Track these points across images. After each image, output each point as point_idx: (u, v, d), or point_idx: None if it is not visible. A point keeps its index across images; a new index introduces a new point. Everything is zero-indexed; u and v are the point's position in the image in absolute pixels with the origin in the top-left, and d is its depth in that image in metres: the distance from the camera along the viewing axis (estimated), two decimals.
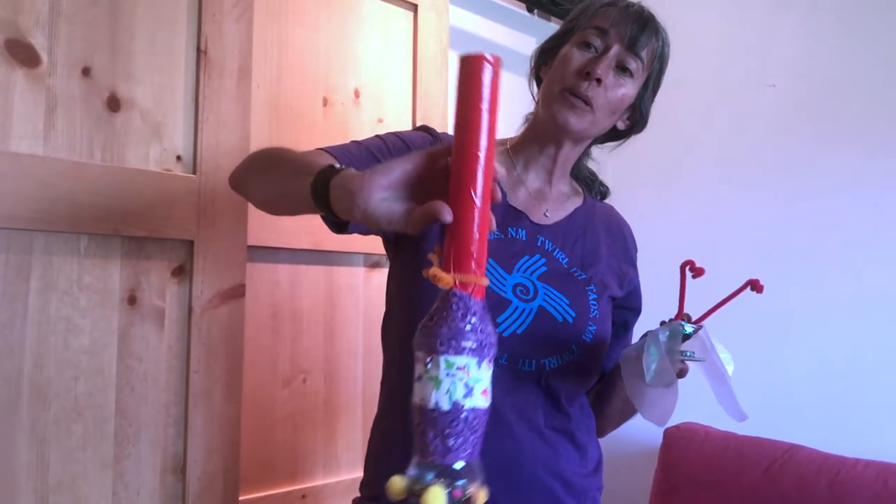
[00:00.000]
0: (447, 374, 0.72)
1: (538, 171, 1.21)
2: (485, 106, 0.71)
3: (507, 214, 1.16)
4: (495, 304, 1.09)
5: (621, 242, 1.26)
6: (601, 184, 1.36)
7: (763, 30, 2.31)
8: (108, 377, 1.31)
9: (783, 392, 2.15)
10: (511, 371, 1.09)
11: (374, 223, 0.75)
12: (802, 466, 1.93)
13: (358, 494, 1.20)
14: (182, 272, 1.41)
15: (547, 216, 1.20)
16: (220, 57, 1.46)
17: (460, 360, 0.72)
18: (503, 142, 1.25)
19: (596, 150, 1.34)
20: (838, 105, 2.14)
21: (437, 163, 0.75)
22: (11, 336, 1.21)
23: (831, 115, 2.15)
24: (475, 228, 0.72)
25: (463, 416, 0.72)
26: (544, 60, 1.22)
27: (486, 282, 0.75)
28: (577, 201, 1.24)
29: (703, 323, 1.02)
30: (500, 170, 0.74)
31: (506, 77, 1.27)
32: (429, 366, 0.72)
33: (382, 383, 1.21)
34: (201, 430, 1.41)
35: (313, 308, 1.67)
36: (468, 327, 0.73)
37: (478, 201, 0.72)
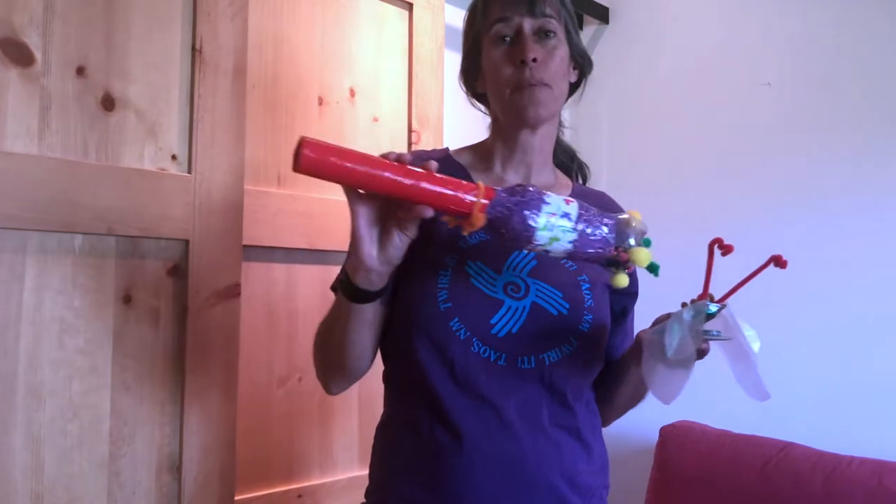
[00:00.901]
0: (550, 231, 0.93)
1: (517, 167, 1.20)
2: (345, 156, 0.90)
3: None
4: (488, 306, 1.09)
5: None
6: (580, 164, 1.34)
7: (758, 28, 2.31)
8: (103, 377, 1.31)
9: (778, 390, 2.14)
10: (511, 370, 1.08)
11: (391, 257, 0.97)
12: (797, 464, 1.93)
13: (363, 500, 1.20)
14: (177, 271, 1.41)
15: None
16: (215, 56, 1.46)
17: (548, 217, 0.93)
18: (475, 147, 1.26)
19: (589, 152, 1.34)
20: (834, 103, 2.14)
21: (366, 197, 0.94)
22: (6, 335, 1.21)
23: (827, 112, 2.16)
24: (438, 187, 0.92)
25: (587, 231, 0.94)
26: (475, 77, 1.22)
27: (480, 186, 0.94)
28: (563, 191, 1.23)
29: (727, 302, 1.01)
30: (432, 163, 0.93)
31: None
32: (539, 242, 0.93)
33: (385, 389, 1.21)
34: (197, 430, 1.41)
35: (309, 307, 1.67)
36: (524, 206, 0.93)
37: (422, 181, 0.92)
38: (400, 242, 0.97)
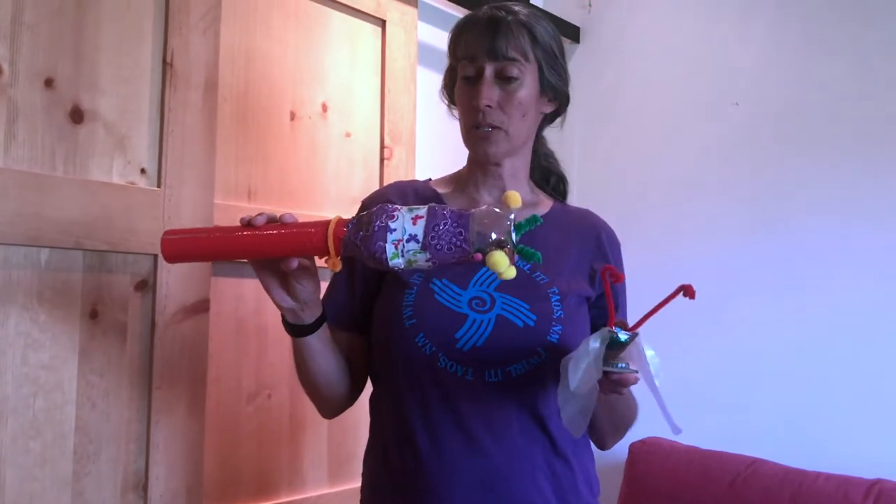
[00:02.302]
0: (403, 256, 0.93)
1: (490, 189, 1.23)
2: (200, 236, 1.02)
3: None
4: (452, 321, 1.10)
5: (595, 241, 1.26)
6: (559, 179, 1.34)
7: (726, 49, 2.35)
8: (67, 393, 1.29)
9: (746, 407, 2.18)
10: (479, 384, 1.09)
11: (303, 298, 1.03)
12: (765, 480, 1.95)
13: None
14: (145, 286, 1.39)
15: None
16: (186, 69, 1.45)
17: (394, 245, 0.93)
18: (453, 175, 1.30)
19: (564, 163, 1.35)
20: (800, 123, 2.18)
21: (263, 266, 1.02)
22: None
23: (793, 132, 2.19)
24: (284, 241, 0.97)
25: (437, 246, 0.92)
26: (453, 91, 1.26)
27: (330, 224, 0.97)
28: (540, 209, 1.25)
29: (639, 330, 0.99)
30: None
31: None
32: (398, 265, 0.93)
33: (370, 412, 1.22)
34: (163, 447, 1.39)
35: (278, 323, 1.63)
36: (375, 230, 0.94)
37: (267, 240, 0.97)
38: (301, 286, 1.02)
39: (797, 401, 2.12)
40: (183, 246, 1.00)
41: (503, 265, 0.90)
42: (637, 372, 0.98)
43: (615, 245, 1.29)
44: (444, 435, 1.08)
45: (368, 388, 1.23)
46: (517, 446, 1.10)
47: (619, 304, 1.27)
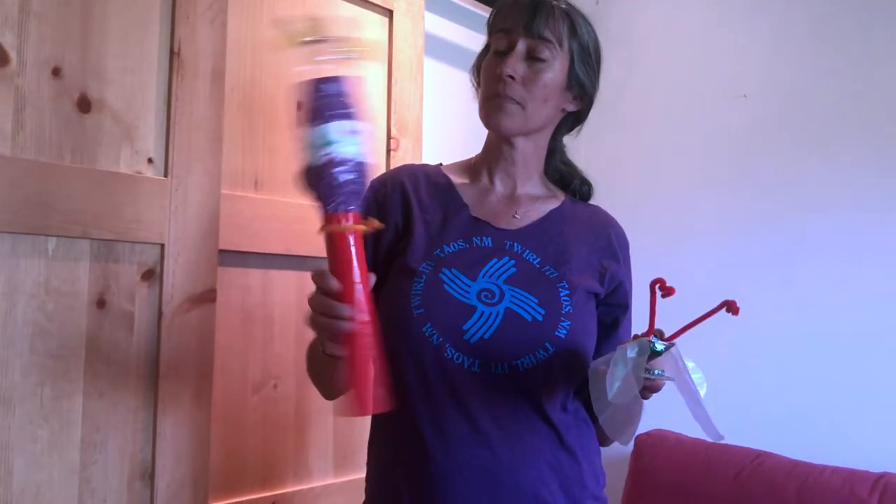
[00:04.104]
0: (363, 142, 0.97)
1: (502, 178, 1.24)
2: None
3: (471, 226, 1.19)
4: (460, 312, 1.09)
5: (605, 239, 1.26)
6: (582, 182, 1.34)
7: (735, 41, 2.34)
8: (75, 382, 1.29)
9: (752, 400, 2.17)
10: (485, 377, 1.09)
11: None
12: (771, 473, 1.95)
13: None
14: (152, 276, 1.40)
15: (517, 218, 1.21)
16: (193, 59, 1.45)
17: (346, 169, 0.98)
18: (464, 161, 1.30)
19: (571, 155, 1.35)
20: (808, 116, 2.17)
21: None
22: None
23: (801, 125, 2.18)
24: (350, 267, 0.96)
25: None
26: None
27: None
28: (552, 203, 1.25)
29: (676, 341, 0.99)
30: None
31: None
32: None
33: None
34: (170, 436, 1.39)
35: (285, 313, 1.66)
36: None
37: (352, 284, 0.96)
38: None
39: (803, 394, 2.12)
40: (365, 387, 0.94)
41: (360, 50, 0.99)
42: (673, 379, 0.98)
43: (624, 243, 1.30)
44: (451, 426, 1.08)
45: None
46: (523, 439, 1.10)
47: (627, 304, 1.27)
